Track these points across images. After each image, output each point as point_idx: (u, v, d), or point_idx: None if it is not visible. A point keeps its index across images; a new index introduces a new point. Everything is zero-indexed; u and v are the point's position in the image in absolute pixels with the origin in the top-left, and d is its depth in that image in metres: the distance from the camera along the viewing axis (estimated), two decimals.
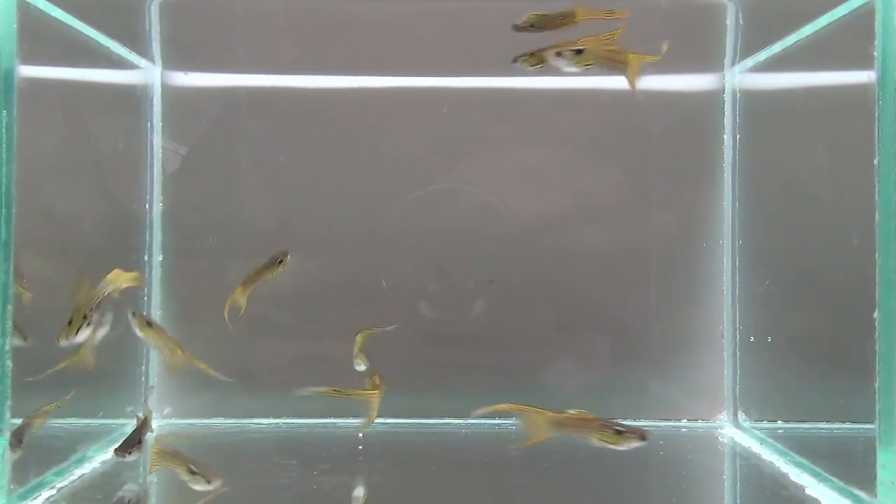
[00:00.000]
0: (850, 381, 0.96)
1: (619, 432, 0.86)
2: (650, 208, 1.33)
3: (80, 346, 1.00)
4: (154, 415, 1.29)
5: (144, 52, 1.28)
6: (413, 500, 1.00)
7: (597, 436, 0.87)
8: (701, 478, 1.11)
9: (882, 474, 0.84)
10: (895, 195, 0.82)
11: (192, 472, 0.92)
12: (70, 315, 0.95)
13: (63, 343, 0.93)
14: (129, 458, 0.98)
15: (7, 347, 0.84)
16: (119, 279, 1.00)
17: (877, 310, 0.84)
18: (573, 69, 0.98)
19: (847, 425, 1.09)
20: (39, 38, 0.98)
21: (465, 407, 1.31)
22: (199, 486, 0.91)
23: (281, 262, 1.10)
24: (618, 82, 1.33)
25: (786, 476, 1.04)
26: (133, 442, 1.00)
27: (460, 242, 1.31)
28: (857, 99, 0.88)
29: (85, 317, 0.96)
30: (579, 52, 0.98)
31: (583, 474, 1.10)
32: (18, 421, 0.90)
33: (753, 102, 1.28)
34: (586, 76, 1.32)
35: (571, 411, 0.90)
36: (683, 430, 1.30)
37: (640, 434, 0.86)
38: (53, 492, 0.96)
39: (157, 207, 1.30)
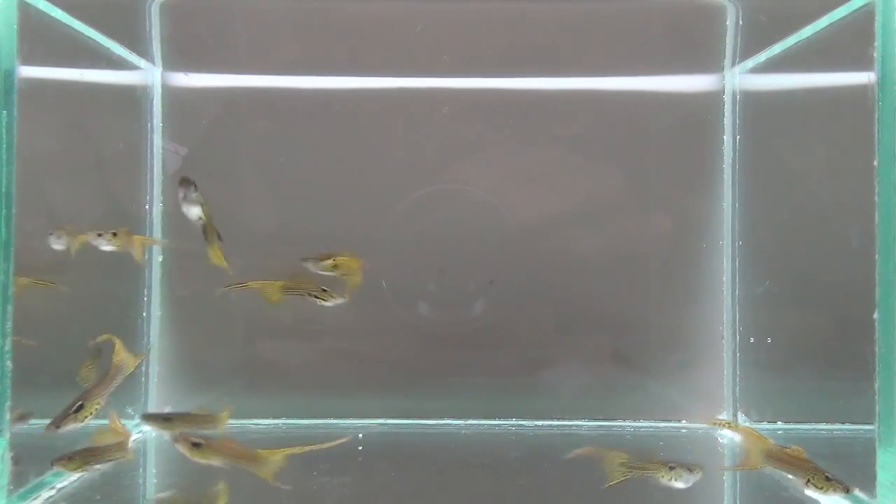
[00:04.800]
0: (849, 382, 0.96)
1: (827, 479, 0.87)
2: (650, 209, 1.33)
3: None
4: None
5: (145, 53, 1.28)
6: (413, 500, 1.00)
7: (807, 477, 0.89)
8: (701, 479, 1.11)
9: (882, 475, 0.84)
10: (895, 196, 0.83)
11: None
12: (78, 400, 0.94)
13: (61, 430, 0.91)
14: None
15: (7, 348, 0.84)
16: (126, 363, 0.99)
17: (876, 310, 0.84)
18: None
19: (847, 426, 1.09)
20: (39, 39, 0.98)
21: (465, 407, 1.32)
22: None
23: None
24: (618, 83, 1.34)
25: (785, 477, 1.04)
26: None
27: (460, 243, 1.32)
28: (857, 100, 0.88)
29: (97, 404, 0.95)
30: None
31: (583, 475, 1.10)
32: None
33: (753, 103, 1.28)
34: (584, 77, 1.33)
35: (791, 448, 0.92)
36: (683, 430, 1.30)
37: (845, 487, 0.87)
38: (53, 492, 0.96)
39: (157, 207, 1.30)
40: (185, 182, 0.99)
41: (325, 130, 1.31)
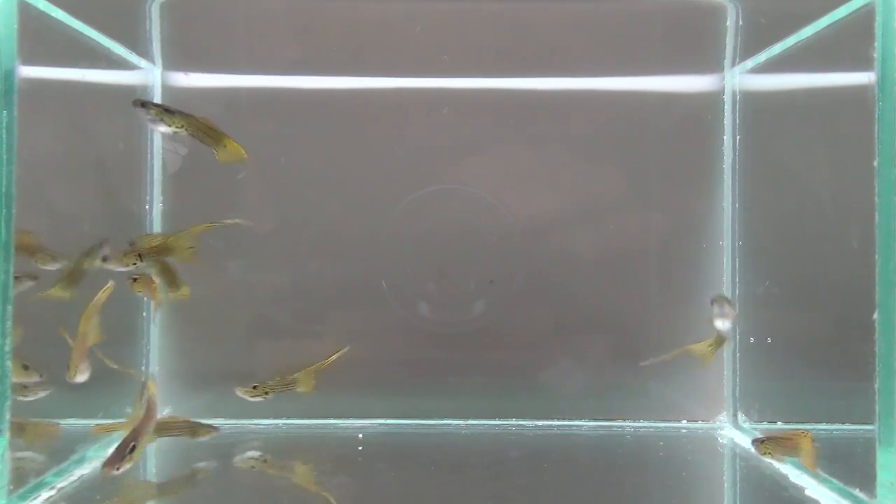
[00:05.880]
0: (849, 382, 0.96)
1: None
2: (650, 209, 1.33)
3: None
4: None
5: (145, 53, 1.28)
6: (412, 500, 1.00)
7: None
8: (701, 479, 1.11)
9: (882, 475, 0.84)
10: (895, 196, 0.83)
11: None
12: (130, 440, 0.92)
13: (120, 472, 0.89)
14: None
15: (7, 348, 0.84)
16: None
17: (876, 311, 0.84)
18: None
19: (847, 426, 1.09)
20: (40, 39, 0.98)
21: (465, 408, 1.32)
22: None
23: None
24: (618, 83, 1.34)
25: (785, 477, 1.04)
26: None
27: (460, 243, 1.32)
28: (857, 100, 0.88)
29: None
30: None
31: (583, 475, 1.11)
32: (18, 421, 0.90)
33: (753, 104, 1.28)
34: (584, 77, 1.33)
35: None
36: (683, 430, 1.30)
37: None
38: (53, 492, 0.96)
39: (157, 207, 1.30)
40: (137, 104, 0.89)
41: (325, 130, 1.31)
